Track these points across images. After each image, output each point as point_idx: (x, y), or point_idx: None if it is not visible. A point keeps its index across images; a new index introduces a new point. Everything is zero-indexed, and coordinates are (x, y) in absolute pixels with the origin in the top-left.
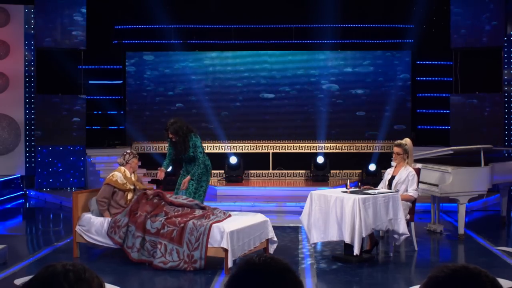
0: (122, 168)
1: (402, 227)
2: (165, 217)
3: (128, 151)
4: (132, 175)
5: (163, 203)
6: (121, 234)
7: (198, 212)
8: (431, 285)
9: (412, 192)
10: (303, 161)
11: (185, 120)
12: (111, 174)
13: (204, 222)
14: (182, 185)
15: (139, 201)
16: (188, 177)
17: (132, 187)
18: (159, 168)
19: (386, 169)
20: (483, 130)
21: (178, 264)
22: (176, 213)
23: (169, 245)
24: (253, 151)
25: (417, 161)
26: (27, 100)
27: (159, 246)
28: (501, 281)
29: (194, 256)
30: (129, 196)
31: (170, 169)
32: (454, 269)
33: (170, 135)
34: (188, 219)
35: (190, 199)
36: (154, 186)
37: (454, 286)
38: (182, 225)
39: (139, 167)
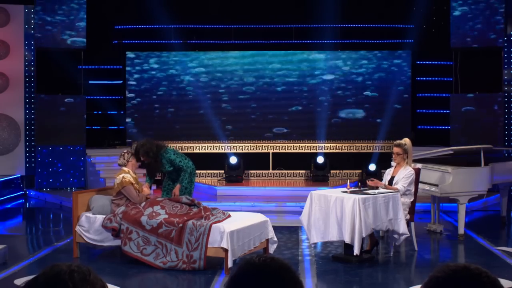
0: (126, 168)
1: (402, 227)
2: (164, 216)
3: (125, 150)
4: (135, 174)
5: (158, 198)
6: (118, 219)
7: (195, 210)
8: (431, 285)
9: (400, 186)
10: (303, 161)
11: (152, 140)
12: (121, 177)
13: (204, 223)
14: (173, 195)
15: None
16: (178, 185)
17: (137, 186)
18: (144, 184)
19: (386, 169)
20: (483, 130)
21: (177, 264)
22: (174, 209)
23: (169, 245)
24: (253, 151)
25: (417, 161)
26: (27, 100)
27: (160, 246)
28: (501, 281)
29: (193, 257)
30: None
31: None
32: (454, 269)
33: (142, 158)
34: (187, 219)
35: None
36: (154, 186)
37: (454, 286)
38: (180, 225)
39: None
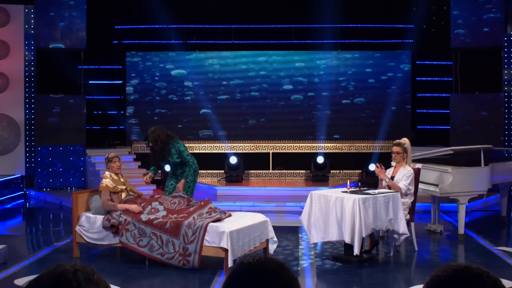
0: (107, 173)
1: (402, 227)
2: (162, 213)
3: (107, 155)
4: (120, 176)
5: (156, 196)
6: (115, 216)
7: (193, 206)
8: (433, 284)
9: (402, 185)
10: (303, 161)
11: (165, 128)
12: (100, 182)
13: (204, 217)
14: (177, 189)
15: (134, 201)
16: (183, 180)
17: (123, 187)
18: (148, 173)
19: (386, 169)
20: (483, 130)
21: (173, 256)
22: (172, 205)
23: (164, 236)
24: (253, 151)
25: (417, 161)
26: (27, 100)
27: (154, 237)
28: (501, 281)
29: (188, 249)
30: (123, 195)
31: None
32: (456, 269)
33: (150, 144)
34: (187, 215)
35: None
36: (154, 186)
37: (455, 286)
38: (179, 219)
39: (139, 167)
